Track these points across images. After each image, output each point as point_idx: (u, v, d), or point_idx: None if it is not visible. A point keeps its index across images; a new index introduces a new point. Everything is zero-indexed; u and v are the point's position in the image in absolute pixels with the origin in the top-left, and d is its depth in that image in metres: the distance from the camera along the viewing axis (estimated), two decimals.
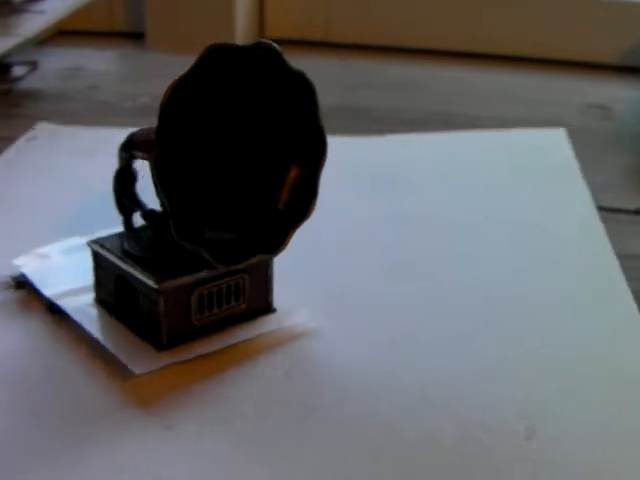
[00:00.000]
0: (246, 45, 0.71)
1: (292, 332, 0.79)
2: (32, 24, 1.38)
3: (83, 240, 0.84)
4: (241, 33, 1.58)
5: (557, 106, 1.31)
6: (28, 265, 0.86)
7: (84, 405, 0.70)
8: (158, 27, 1.59)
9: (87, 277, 0.84)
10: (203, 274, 0.76)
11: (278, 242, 0.76)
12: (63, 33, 1.66)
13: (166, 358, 0.75)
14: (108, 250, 0.79)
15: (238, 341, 0.78)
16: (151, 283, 0.75)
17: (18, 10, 1.39)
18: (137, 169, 0.82)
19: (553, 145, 1.14)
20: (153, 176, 0.69)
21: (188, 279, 0.76)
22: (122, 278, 0.77)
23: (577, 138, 1.18)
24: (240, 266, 0.74)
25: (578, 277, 0.89)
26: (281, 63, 0.72)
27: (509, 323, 0.81)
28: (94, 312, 0.80)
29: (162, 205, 0.70)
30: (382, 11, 1.55)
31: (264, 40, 0.72)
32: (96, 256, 0.80)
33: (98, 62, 1.51)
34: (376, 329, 0.81)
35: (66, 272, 0.86)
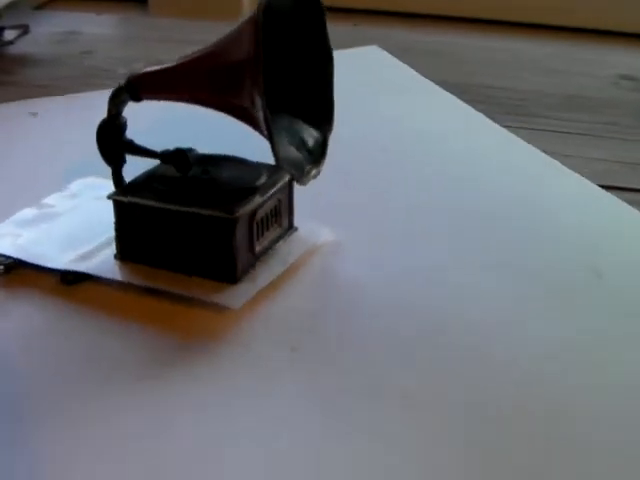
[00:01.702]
0: None
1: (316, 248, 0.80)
2: None
3: (33, 210, 0.81)
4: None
5: (584, 77, 1.23)
6: (1, 244, 0.79)
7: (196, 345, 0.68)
8: None
9: (83, 237, 0.79)
10: (258, 199, 0.73)
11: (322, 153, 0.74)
12: None
13: (249, 287, 0.73)
14: (142, 197, 0.74)
15: (292, 262, 0.77)
16: (223, 214, 0.71)
17: None
18: (125, 117, 0.77)
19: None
20: (261, 105, 0.66)
21: (252, 205, 0.73)
22: (175, 219, 0.73)
23: (606, 110, 1.10)
24: (307, 183, 0.72)
25: None
26: None
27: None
28: (124, 267, 0.75)
29: (268, 131, 0.67)
30: None
31: None
32: (127, 207, 0.75)
33: (94, 26, 1.44)
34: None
35: (53, 239, 0.80)
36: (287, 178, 0.77)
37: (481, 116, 1.07)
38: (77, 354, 0.68)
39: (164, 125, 0.91)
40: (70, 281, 0.75)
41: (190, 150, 0.75)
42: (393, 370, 0.66)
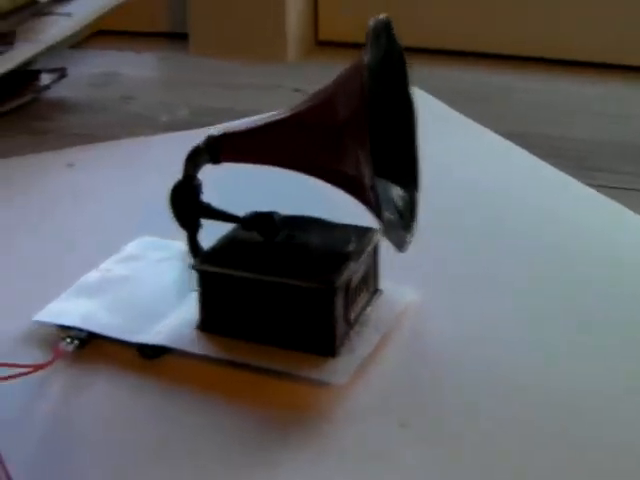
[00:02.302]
0: None
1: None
2: (58, 29, 1.26)
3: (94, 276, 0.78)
4: (293, 36, 1.44)
5: None
6: (72, 318, 0.74)
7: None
8: (203, 29, 1.45)
9: (157, 305, 0.75)
10: (352, 266, 0.70)
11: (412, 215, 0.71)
12: (100, 33, 1.52)
13: (350, 360, 0.69)
14: (229, 267, 0.70)
15: (385, 331, 0.72)
16: (322, 285, 0.67)
17: (44, 12, 1.25)
18: (201, 180, 0.73)
19: None
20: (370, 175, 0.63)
21: (348, 273, 0.69)
22: (267, 290, 0.69)
23: None
24: (405, 250, 0.68)
25: None
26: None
27: None
28: (207, 339, 0.71)
29: (375, 200, 0.63)
30: (448, 12, 1.43)
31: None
32: (214, 277, 0.71)
33: (134, 68, 1.39)
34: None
35: (124, 309, 0.75)
36: (376, 241, 0.73)
37: (560, 174, 1.02)
38: (160, 433, 0.64)
39: (223, 185, 0.87)
40: (149, 355, 0.71)
41: (274, 213, 0.71)
42: (507, 446, 0.62)
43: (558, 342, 0.72)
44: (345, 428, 0.64)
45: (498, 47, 1.43)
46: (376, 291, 0.76)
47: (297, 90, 1.22)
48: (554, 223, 0.91)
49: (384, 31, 0.68)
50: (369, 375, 0.68)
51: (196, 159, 0.72)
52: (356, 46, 1.50)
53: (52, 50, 1.27)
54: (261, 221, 0.71)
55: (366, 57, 0.63)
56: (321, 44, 1.51)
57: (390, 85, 0.70)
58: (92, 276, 0.80)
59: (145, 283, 0.79)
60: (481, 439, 0.62)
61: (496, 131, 1.11)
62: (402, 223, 0.69)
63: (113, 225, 0.90)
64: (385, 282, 0.77)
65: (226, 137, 0.71)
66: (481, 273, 0.82)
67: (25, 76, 1.26)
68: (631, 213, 0.92)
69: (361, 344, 0.70)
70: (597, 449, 0.61)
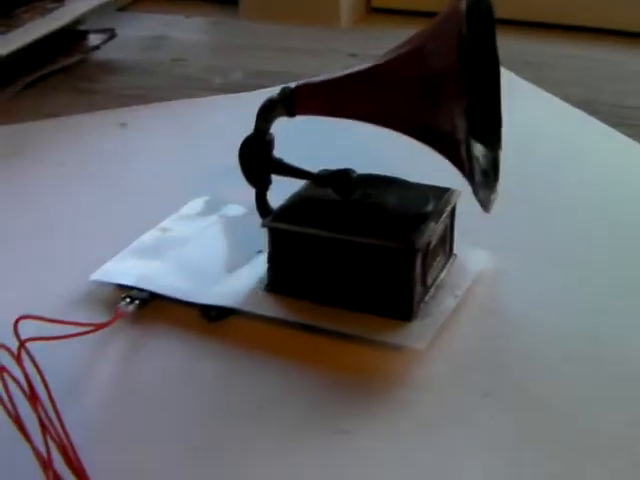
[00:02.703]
0: None
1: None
2: None
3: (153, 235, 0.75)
4: (346, 2, 1.40)
5: None
6: (132, 277, 0.70)
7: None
8: None
9: (221, 266, 0.72)
10: (432, 227, 0.66)
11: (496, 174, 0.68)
12: None
13: (428, 325, 0.65)
14: (303, 225, 0.66)
15: (461, 296, 0.69)
16: (402, 244, 0.64)
17: None
18: (273, 134, 0.70)
19: None
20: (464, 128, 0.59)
21: (429, 234, 0.65)
22: (342, 250, 0.65)
23: None
24: (490, 210, 0.65)
25: None
26: None
27: None
28: (276, 301, 0.68)
29: (468, 156, 0.60)
30: None
31: None
32: (286, 235, 0.67)
33: (184, 31, 1.34)
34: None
35: (186, 269, 0.71)
36: (455, 201, 0.69)
37: (634, 143, 0.97)
38: (223, 395, 0.61)
39: (295, 141, 0.83)
40: (213, 317, 0.67)
41: (351, 170, 0.68)
42: (591, 412, 0.58)
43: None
44: (423, 395, 0.60)
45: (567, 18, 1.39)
46: (451, 255, 0.72)
47: (353, 55, 1.17)
48: (631, 195, 0.87)
49: None
50: (445, 341, 0.65)
51: (269, 112, 0.68)
52: (408, 13, 1.46)
53: (101, 10, 1.23)
54: (337, 178, 0.67)
55: (462, 2, 0.59)
56: (374, 11, 1.46)
57: (478, 37, 0.66)
58: (151, 235, 0.76)
59: (207, 243, 0.75)
60: (566, 406, 0.59)
61: (562, 99, 1.07)
62: (486, 182, 0.65)
63: (170, 185, 0.87)
64: (460, 246, 0.73)
65: (303, 88, 0.67)
66: (556, 242, 0.78)
67: (74, 36, 1.22)
68: None
69: (437, 309, 0.66)
70: None
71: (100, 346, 0.65)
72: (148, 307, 0.68)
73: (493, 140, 0.68)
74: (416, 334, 0.63)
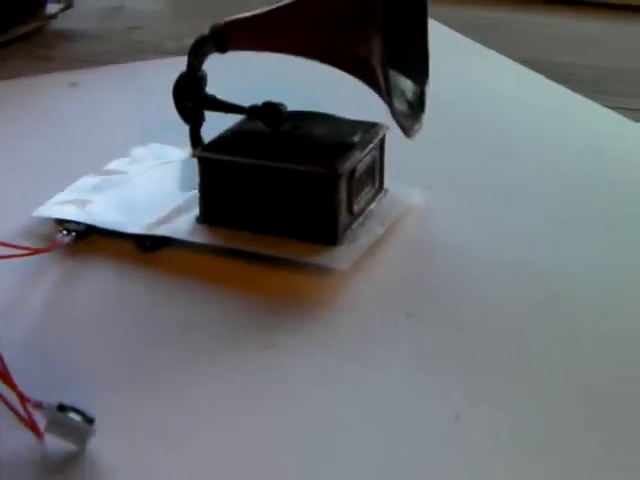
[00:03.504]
0: None
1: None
2: None
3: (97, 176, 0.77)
4: None
5: None
6: (70, 211, 0.72)
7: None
8: None
9: (157, 201, 0.73)
10: (357, 155, 0.68)
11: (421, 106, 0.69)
12: None
13: (352, 248, 0.67)
14: (232, 154, 0.68)
15: (388, 225, 0.71)
16: (325, 170, 0.66)
17: None
18: (206, 71, 0.72)
19: None
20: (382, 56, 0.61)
21: (353, 161, 0.68)
22: (269, 177, 0.67)
23: None
24: (413, 136, 0.67)
25: None
26: None
27: None
28: (208, 230, 0.70)
29: (386, 84, 0.62)
30: None
31: None
32: (216, 165, 0.69)
33: (141, 1, 1.36)
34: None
35: (124, 205, 0.73)
36: (382, 134, 0.71)
37: (572, 94, 1.01)
38: (155, 322, 0.62)
39: (233, 83, 0.85)
40: (147, 247, 0.69)
41: (280, 105, 0.70)
42: (515, 334, 0.60)
43: (564, 237, 0.72)
44: (348, 314, 0.62)
45: None
46: (381, 189, 0.74)
47: None
48: (565, 137, 0.90)
49: None
50: (371, 265, 0.67)
51: (200, 49, 0.70)
52: None
53: None
54: (266, 110, 0.69)
55: None
56: None
57: None
58: (93, 176, 0.78)
59: (146, 183, 0.77)
60: (487, 326, 0.61)
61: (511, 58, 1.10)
62: (411, 113, 0.67)
63: (117, 136, 0.89)
64: (391, 182, 0.75)
65: (232, 24, 0.69)
66: (490, 182, 0.81)
67: (32, 5, 1.24)
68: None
69: (364, 235, 0.69)
70: (611, 339, 0.60)
71: (36, 273, 0.67)
72: (85, 240, 0.70)
73: (420, 75, 0.70)
74: (340, 256, 0.65)
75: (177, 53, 1.11)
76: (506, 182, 0.81)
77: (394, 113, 0.63)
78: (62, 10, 1.25)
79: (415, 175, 0.78)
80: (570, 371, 0.57)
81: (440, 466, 0.50)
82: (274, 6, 0.68)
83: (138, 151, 0.83)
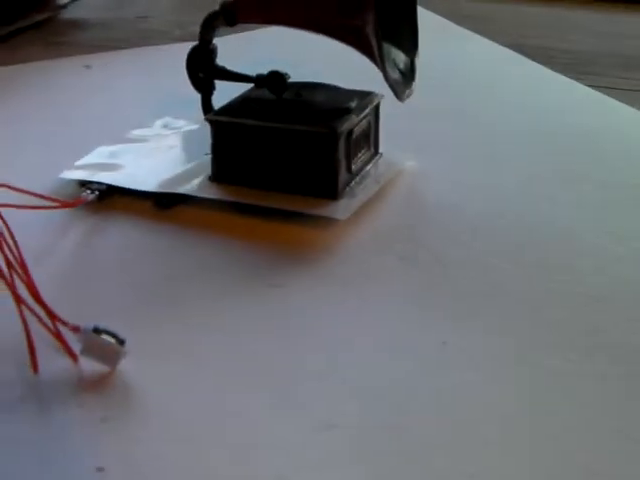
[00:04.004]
0: None
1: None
2: None
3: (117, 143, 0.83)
4: None
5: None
6: (92, 173, 0.79)
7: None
8: None
9: (173, 163, 0.81)
10: (354, 119, 0.75)
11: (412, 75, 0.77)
12: None
13: (351, 202, 0.75)
14: (241, 117, 0.75)
15: (383, 184, 0.79)
16: (325, 129, 0.73)
17: None
18: (216, 44, 0.79)
19: None
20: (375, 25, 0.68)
21: (350, 123, 0.74)
22: (275, 137, 0.74)
23: None
24: (404, 100, 0.74)
25: None
26: None
27: None
28: (220, 188, 0.76)
29: (379, 53, 0.69)
30: None
31: None
32: (226, 127, 0.76)
33: None
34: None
35: (143, 166, 0.80)
36: (377, 101, 0.79)
37: (550, 72, 1.09)
38: (175, 264, 0.69)
39: (242, 58, 0.92)
40: (164, 204, 0.76)
41: (284, 74, 0.77)
42: (492, 273, 0.68)
43: (555, 196, 0.79)
44: (347, 259, 0.69)
45: None
46: (377, 153, 0.81)
47: None
48: (542, 110, 0.98)
49: None
50: (368, 217, 0.74)
51: (211, 23, 0.78)
52: None
53: None
54: (272, 79, 0.77)
55: None
56: None
57: None
58: (113, 143, 0.85)
59: (162, 148, 0.84)
60: (469, 267, 0.68)
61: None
62: (403, 80, 0.75)
63: (132, 110, 0.96)
64: (386, 148, 0.82)
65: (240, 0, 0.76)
66: (474, 148, 0.88)
67: None
68: (611, 100, 0.99)
69: (361, 191, 0.76)
70: (573, 273, 0.67)
71: (63, 226, 0.74)
72: (107, 199, 0.77)
73: (410, 47, 0.78)
74: (340, 209, 0.73)
75: (184, 39, 1.19)
76: (488, 147, 0.88)
77: (387, 78, 0.70)
78: (73, 0, 1.32)
79: (408, 142, 0.85)
80: (537, 301, 0.64)
81: (428, 383, 0.57)
82: None
83: (156, 124, 0.90)
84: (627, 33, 1.26)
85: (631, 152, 0.88)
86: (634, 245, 0.71)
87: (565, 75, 1.07)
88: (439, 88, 0.97)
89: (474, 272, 0.68)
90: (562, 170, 0.84)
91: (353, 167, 0.76)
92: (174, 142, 0.86)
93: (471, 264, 0.69)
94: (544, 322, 0.62)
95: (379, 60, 0.69)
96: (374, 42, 0.69)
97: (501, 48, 1.16)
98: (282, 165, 0.75)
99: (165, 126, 0.89)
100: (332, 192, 0.74)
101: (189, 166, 0.79)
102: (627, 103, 0.98)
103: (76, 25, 1.30)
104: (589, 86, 1.03)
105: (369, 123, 0.78)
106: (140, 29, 1.27)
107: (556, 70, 1.08)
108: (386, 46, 0.75)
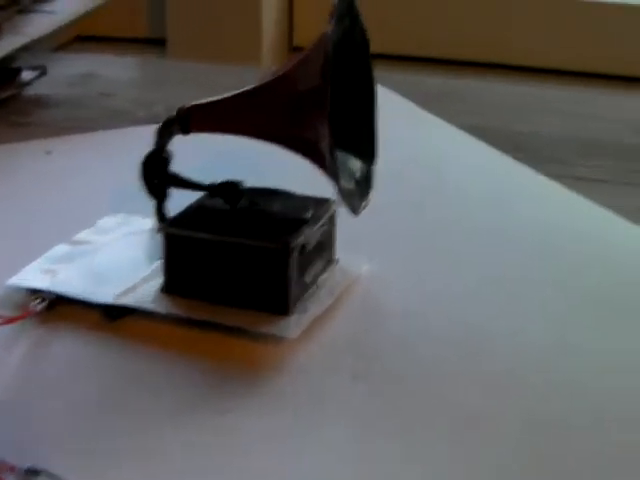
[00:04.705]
0: None
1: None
2: (40, 25, 1.29)
3: (66, 246, 0.83)
4: (268, 42, 1.48)
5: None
6: (41, 280, 0.77)
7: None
8: (180, 34, 1.50)
9: (124, 271, 0.79)
10: (308, 230, 0.74)
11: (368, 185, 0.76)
12: (82, 38, 1.56)
13: (302, 317, 0.73)
14: (193, 229, 0.74)
15: (338, 295, 0.77)
16: (277, 245, 0.72)
17: (26, 10, 1.29)
18: (171, 150, 0.78)
19: None
20: (330, 141, 0.67)
21: (304, 236, 0.74)
22: (227, 251, 0.73)
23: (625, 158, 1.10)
24: (359, 214, 0.73)
25: None
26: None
27: None
28: (171, 300, 0.75)
29: (333, 163, 0.68)
30: (413, 21, 1.48)
31: None
32: (178, 239, 0.75)
33: (113, 69, 1.42)
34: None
35: (93, 275, 0.79)
36: (333, 210, 0.77)
37: (511, 161, 1.07)
38: (122, 387, 0.68)
39: (198, 161, 0.91)
40: (114, 316, 0.74)
41: (238, 183, 0.76)
42: (450, 391, 0.66)
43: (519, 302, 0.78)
44: (296, 380, 0.67)
45: (471, 54, 1.49)
46: (332, 260, 0.80)
47: None
48: (509, 206, 0.96)
49: (347, 10, 0.72)
50: (320, 333, 0.72)
51: (167, 130, 0.76)
52: None
53: (34, 48, 1.30)
54: (225, 188, 0.75)
55: (330, 29, 0.68)
56: (296, 49, 1.55)
57: (352, 63, 0.75)
58: (64, 247, 0.83)
59: (115, 252, 0.82)
60: (425, 384, 0.67)
61: (458, 125, 1.16)
62: (358, 191, 0.74)
63: (89, 204, 0.94)
64: (341, 253, 0.81)
65: (195, 108, 0.75)
66: (432, 249, 0.87)
67: (6, 73, 1.30)
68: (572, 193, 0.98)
69: (314, 305, 0.74)
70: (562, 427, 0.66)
71: (8, 341, 0.72)
72: (57, 308, 0.75)
73: (368, 155, 0.77)
74: (291, 326, 0.71)
75: (148, 121, 1.17)
76: (449, 246, 0.87)
77: (341, 194, 0.69)
78: (36, 77, 1.30)
79: (366, 242, 0.84)
80: (492, 419, 0.63)
81: None
82: (233, 92, 0.74)
83: (107, 221, 0.88)
84: (598, 114, 1.26)
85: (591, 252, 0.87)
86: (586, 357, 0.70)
87: (530, 162, 1.06)
88: (399, 179, 0.96)
89: (430, 390, 0.66)
90: (525, 274, 0.82)
91: (306, 280, 0.74)
92: (127, 244, 0.84)
93: (426, 380, 0.67)
94: (513, 449, 0.61)
95: (333, 177, 0.68)
96: (327, 157, 0.68)
97: (464, 135, 1.14)
98: (234, 279, 0.73)
99: (119, 224, 0.87)
100: (283, 308, 0.72)
101: (141, 273, 0.78)
102: (587, 194, 0.98)
103: (40, 103, 1.28)
104: (553, 175, 1.03)
105: (324, 232, 0.77)
106: (104, 107, 1.26)
107: (520, 157, 1.07)
108: (342, 155, 0.74)
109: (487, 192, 1.00)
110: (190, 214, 0.76)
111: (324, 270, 0.78)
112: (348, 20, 0.73)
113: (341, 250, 0.81)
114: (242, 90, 0.73)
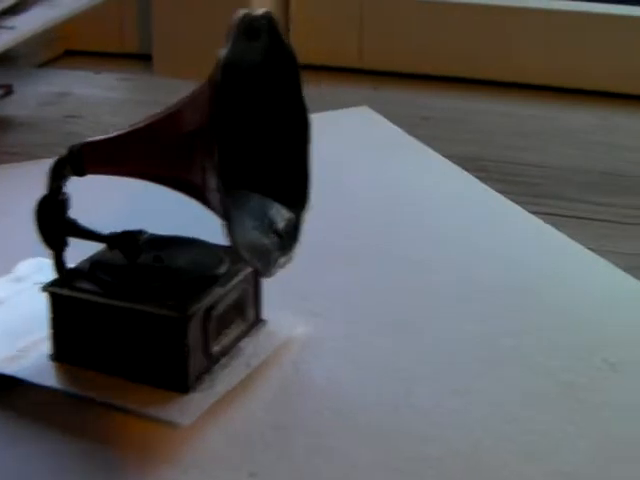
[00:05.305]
0: None
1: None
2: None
3: None
4: None
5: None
6: None
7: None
8: (166, 50, 1.39)
9: (21, 331, 0.68)
10: (217, 291, 0.63)
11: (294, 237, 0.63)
12: (70, 53, 1.46)
13: (203, 398, 0.61)
14: (82, 290, 0.63)
15: (257, 364, 0.65)
16: (173, 312, 0.60)
17: None
18: (68, 194, 0.67)
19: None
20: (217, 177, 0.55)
21: (210, 299, 0.62)
22: (118, 317, 0.62)
23: None
24: (273, 274, 0.61)
25: None
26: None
27: None
28: (59, 370, 0.64)
29: (224, 213, 0.56)
30: (418, 38, 1.36)
31: None
32: (65, 301, 0.64)
33: (90, 87, 1.31)
34: None
35: None
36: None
37: (497, 196, 0.95)
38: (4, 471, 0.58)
39: (112, 202, 0.80)
40: (1, 387, 0.64)
41: (140, 232, 0.65)
42: None
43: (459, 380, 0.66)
44: (189, 475, 0.56)
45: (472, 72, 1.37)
46: (258, 321, 0.68)
47: None
48: (476, 253, 0.84)
49: (266, 28, 0.61)
50: (225, 415, 0.61)
51: (59, 171, 0.65)
52: (323, 68, 1.43)
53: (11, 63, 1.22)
54: (124, 240, 0.64)
55: (221, 57, 0.57)
56: None
57: (274, 92, 0.64)
58: None
59: (19, 307, 0.72)
60: None
61: (447, 153, 1.04)
62: (279, 244, 0.62)
63: (10, 245, 0.84)
64: (274, 312, 0.69)
65: (87, 146, 0.64)
66: (369, 308, 0.74)
67: None
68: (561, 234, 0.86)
69: (224, 379, 0.63)
70: None
71: None
72: None
73: (297, 201, 0.65)
74: (185, 408, 0.60)
75: None
76: (401, 302, 0.75)
77: (238, 251, 0.57)
78: (1, 97, 1.21)
79: (305, 299, 0.72)
80: None
81: None
82: (125, 130, 0.63)
83: (23, 266, 0.78)
84: (604, 142, 1.13)
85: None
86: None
87: (520, 199, 0.94)
88: (364, 220, 0.85)
89: None
90: (489, 342, 0.70)
91: (215, 349, 0.63)
92: (35, 297, 0.73)
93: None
94: None
95: (225, 229, 0.56)
96: (218, 207, 0.56)
97: (445, 162, 1.02)
98: (129, 349, 0.62)
99: (33, 271, 0.76)
100: (182, 385, 0.61)
101: (35, 335, 0.67)
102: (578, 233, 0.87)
103: (2, 125, 1.19)
104: (542, 213, 0.91)
105: (243, 291, 0.66)
106: (64, 132, 1.15)
107: (511, 192, 0.95)
108: (261, 203, 0.63)
109: (455, 230, 0.87)
110: (83, 270, 0.65)
111: (245, 334, 0.67)
112: (266, 37, 0.61)
113: (275, 308, 0.69)
114: (134, 127, 0.62)
